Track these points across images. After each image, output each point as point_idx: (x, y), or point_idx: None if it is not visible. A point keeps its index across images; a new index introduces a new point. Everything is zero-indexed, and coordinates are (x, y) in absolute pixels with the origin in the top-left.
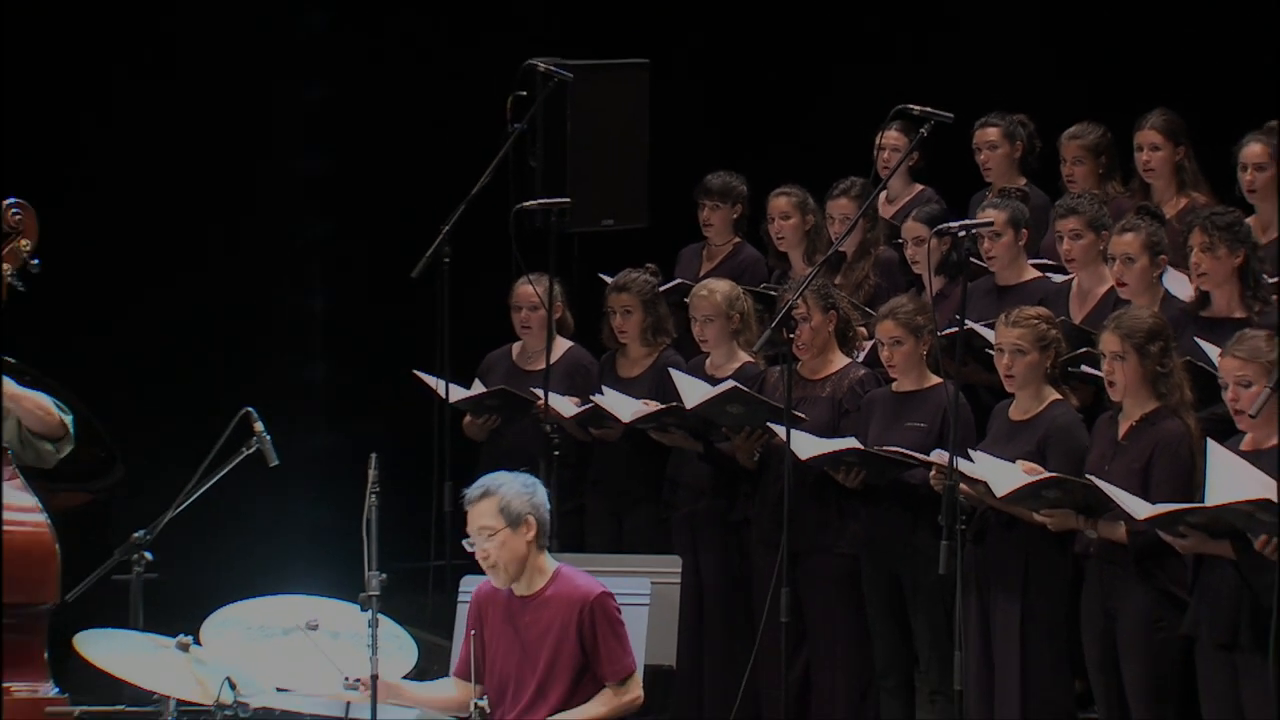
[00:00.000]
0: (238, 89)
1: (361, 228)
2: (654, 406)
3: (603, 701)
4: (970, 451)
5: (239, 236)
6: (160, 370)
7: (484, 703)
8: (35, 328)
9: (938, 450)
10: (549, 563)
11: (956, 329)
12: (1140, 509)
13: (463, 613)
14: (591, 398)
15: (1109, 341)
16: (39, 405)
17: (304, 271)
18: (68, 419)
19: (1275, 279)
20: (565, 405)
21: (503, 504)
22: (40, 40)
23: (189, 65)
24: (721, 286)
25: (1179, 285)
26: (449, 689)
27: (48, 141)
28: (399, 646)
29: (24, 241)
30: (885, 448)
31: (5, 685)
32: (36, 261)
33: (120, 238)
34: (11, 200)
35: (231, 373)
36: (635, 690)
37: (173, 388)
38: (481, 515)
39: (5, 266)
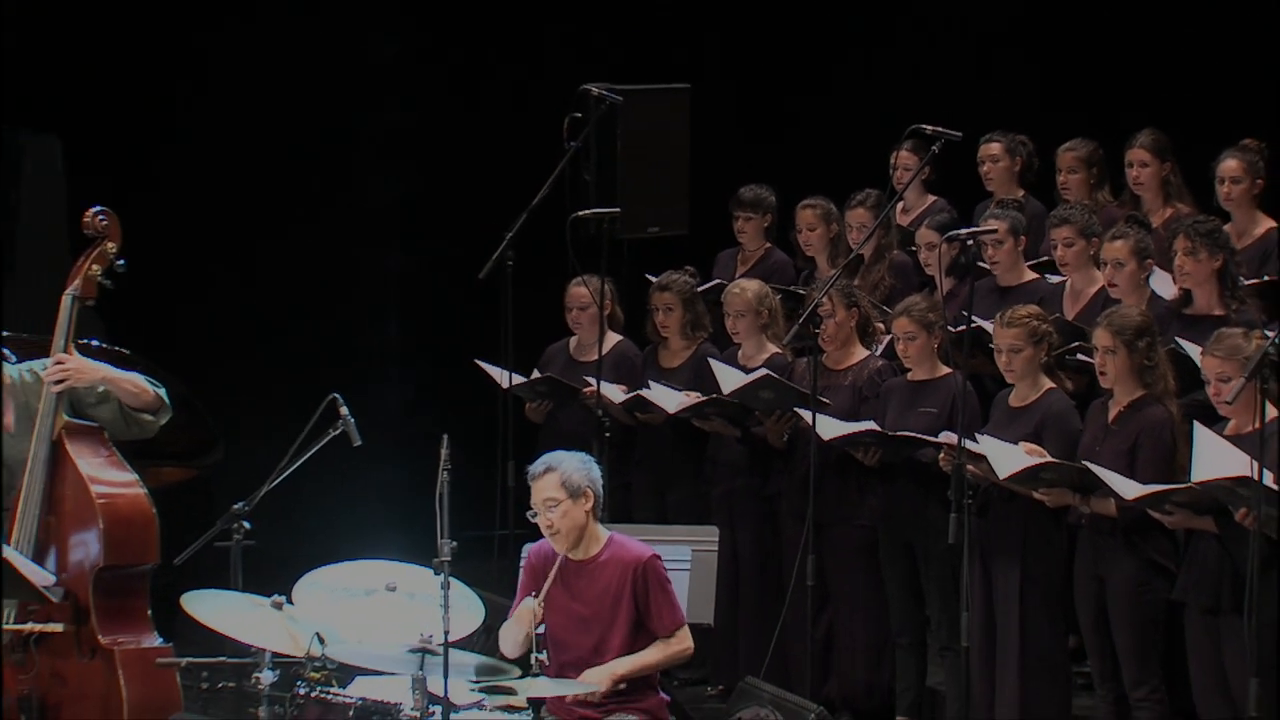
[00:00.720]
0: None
1: (442, 192)
2: (696, 398)
3: (657, 649)
4: (976, 435)
5: (323, 207)
6: (250, 341)
7: (543, 655)
8: (132, 309)
9: (947, 433)
10: (602, 532)
11: (964, 325)
12: (1129, 489)
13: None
14: (640, 391)
15: (1101, 337)
16: (133, 383)
17: (385, 239)
18: (160, 391)
19: (1251, 280)
20: (614, 392)
21: (564, 478)
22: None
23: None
24: (752, 286)
25: (1164, 285)
26: (515, 629)
27: (138, 127)
28: (468, 606)
29: (110, 244)
30: (900, 430)
31: (114, 638)
32: (122, 262)
33: (208, 218)
34: (97, 208)
35: (317, 342)
36: (686, 640)
37: (261, 358)
38: (546, 488)
39: (95, 268)
